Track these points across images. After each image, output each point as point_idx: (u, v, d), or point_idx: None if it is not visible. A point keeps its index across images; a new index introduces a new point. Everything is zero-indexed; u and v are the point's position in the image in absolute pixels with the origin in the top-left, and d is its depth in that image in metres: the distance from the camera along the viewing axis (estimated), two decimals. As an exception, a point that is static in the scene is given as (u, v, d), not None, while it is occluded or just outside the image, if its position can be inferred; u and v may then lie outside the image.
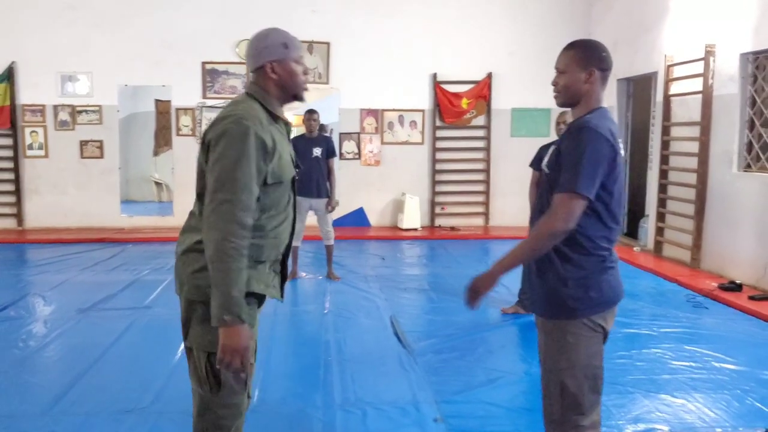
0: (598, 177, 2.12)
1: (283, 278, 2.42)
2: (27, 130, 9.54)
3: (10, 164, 9.51)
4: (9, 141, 9.48)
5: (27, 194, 9.64)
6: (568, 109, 2.36)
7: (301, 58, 2.31)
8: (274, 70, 2.24)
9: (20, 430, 3.31)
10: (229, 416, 2.24)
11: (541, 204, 2.31)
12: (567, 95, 2.29)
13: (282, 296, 2.43)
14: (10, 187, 9.54)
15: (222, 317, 2.00)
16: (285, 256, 2.38)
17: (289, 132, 2.36)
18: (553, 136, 9.58)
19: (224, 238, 2.00)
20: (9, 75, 9.34)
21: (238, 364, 2.04)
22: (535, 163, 5.20)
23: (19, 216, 9.61)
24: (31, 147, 9.57)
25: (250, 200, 2.06)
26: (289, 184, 2.27)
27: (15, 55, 9.38)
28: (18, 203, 9.59)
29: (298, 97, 2.32)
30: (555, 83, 2.32)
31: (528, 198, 5.27)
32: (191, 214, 2.27)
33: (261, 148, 2.09)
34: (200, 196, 2.17)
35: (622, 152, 2.24)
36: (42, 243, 8.72)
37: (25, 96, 9.50)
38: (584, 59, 2.25)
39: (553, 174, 2.23)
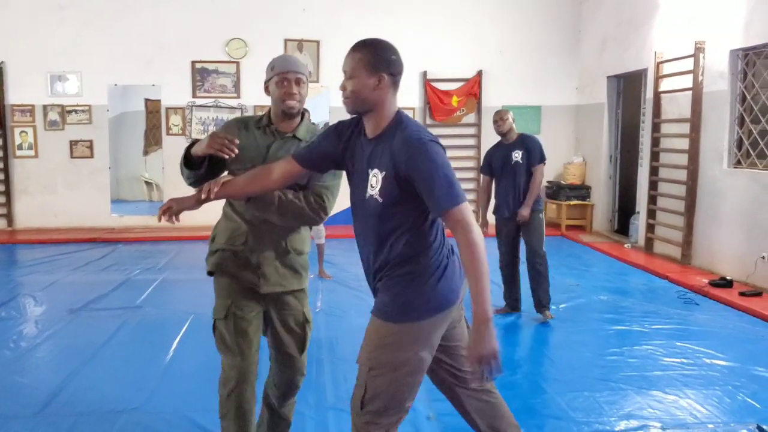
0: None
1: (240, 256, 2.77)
2: (16, 131, 9.47)
3: (-1, 164, 9.45)
4: (-2, 141, 9.42)
5: (17, 195, 9.58)
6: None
7: (282, 78, 2.53)
8: (267, 89, 2.62)
9: (12, 431, 3.29)
10: (231, 375, 2.60)
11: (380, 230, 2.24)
12: (356, 102, 2.15)
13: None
14: (0, 188, 9.47)
15: None
16: None
17: (269, 143, 2.59)
18: (545, 133, 9.66)
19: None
20: (-3, 74, 9.27)
21: None
22: (485, 169, 5.44)
23: (9, 216, 9.54)
24: (20, 147, 9.50)
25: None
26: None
27: (3, 54, 9.31)
28: (8, 204, 9.52)
29: (283, 111, 2.58)
30: (342, 88, 2.17)
31: (478, 203, 5.38)
32: None
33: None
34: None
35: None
36: (32, 243, 8.66)
37: (14, 96, 9.43)
38: (373, 63, 2.12)
39: (390, 199, 2.15)
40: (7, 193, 9.50)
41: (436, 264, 2.18)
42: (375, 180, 2.14)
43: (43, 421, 3.38)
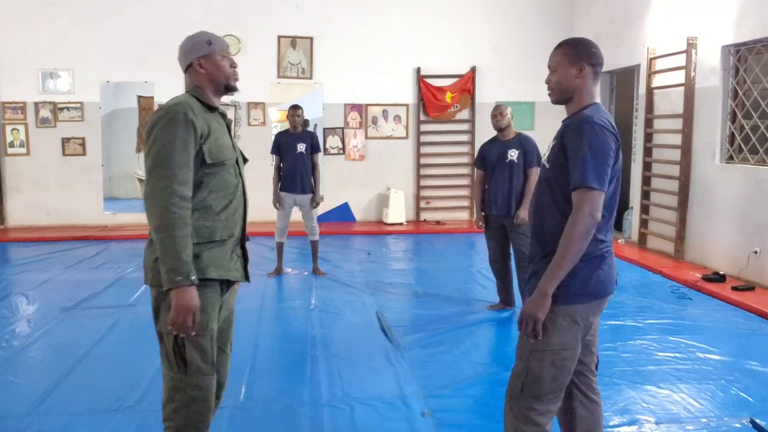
0: (608, 167, 2.17)
1: (246, 260, 2.56)
2: (8, 128, 9.43)
3: (-10, 162, 9.40)
4: (-11, 139, 9.38)
5: (8, 192, 9.53)
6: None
7: (226, 52, 2.49)
8: (202, 66, 2.44)
9: (5, 431, 3.27)
10: (199, 397, 2.37)
11: (539, 199, 2.34)
12: (559, 91, 2.35)
13: (247, 278, 2.56)
14: (-9, 186, 9.44)
15: (174, 279, 2.17)
16: (243, 239, 2.54)
17: (227, 122, 2.53)
18: (539, 129, 9.66)
19: (166, 210, 2.18)
20: (-12, 72, 9.22)
21: (190, 322, 2.21)
22: (479, 162, 5.34)
23: (0, 214, 9.49)
24: (12, 145, 9.45)
25: (187, 175, 2.25)
26: (233, 167, 2.45)
27: (-6, 51, 9.27)
28: (-1, 202, 9.49)
29: (229, 87, 2.51)
30: (548, 81, 2.38)
31: (473, 196, 5.34)
32: None
33: (191, 129, 2.27)
34: None
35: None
36: (24, 241, 8.62)
37: (6, 93, 9.38)
38: (575, 55, 2.30)
39: (554, 170, 2.27)
40: (-1, 191, 9.46)
41: (596, 252, 2.25)
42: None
43: (36, 420, 3.36)
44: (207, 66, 2.44)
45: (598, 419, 2.50)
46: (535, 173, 5.04)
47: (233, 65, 2.51)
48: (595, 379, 2.52)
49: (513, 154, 5.11)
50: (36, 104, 9.42)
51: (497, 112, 5.20)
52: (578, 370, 2.42)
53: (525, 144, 5.15)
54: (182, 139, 2.24)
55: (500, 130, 5.22)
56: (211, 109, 2.44)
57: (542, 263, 2.27)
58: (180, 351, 2.32)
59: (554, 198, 2.28)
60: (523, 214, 4.98)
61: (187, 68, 2.46)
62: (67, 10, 9.32)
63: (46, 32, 9.29)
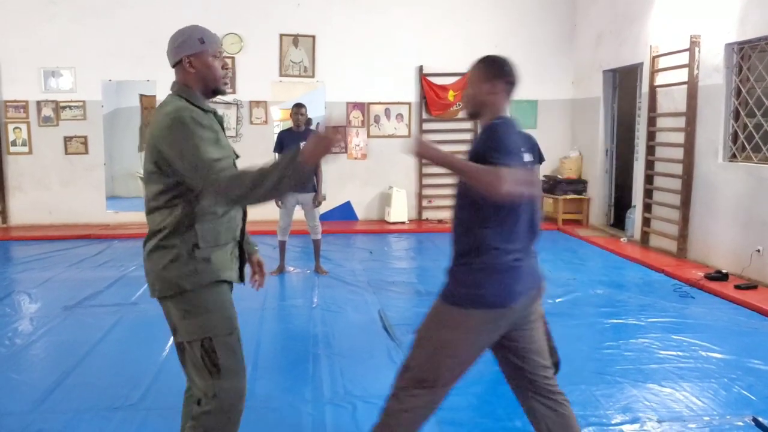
0: (518, 156, 2.24)
1: (242, 262, 2.51)
2: (10, 127, 9.44)
3: (-7, 161, 9.42)
4: (-9, 137, 9.39)
5: (11, 191, 9.54)
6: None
7: (219, 52, 2.36)
8: (192, 65, 2.31)
9: (7, 428, 3.28)
10: (235, 398, 2.32)
11: (456, 203, 2.40)
12: (472, 105, 2.46)
13: (243, 280, 2.52)
14: (-6, 184, 9.45)
15: (292, 159, 2.08)
16: (241, 240, 2.49)
17: (220, 122, 2.41)
18: (541, 127, 9.66)
19: (247, 190, 2.08)
20: (-10, 70, 9.23)
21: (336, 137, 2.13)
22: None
23: (3, 213, 9.50)
24: (14, 143, 9.46)
25: (226, 171, 2.13)
26: (233, 167, 2.31)
27: (-4, 50, 9.29)
28: (2, 200, 9.48)
29: (218, 90, 2.38)
30: (464, 95, 2.50)
31: None
32: (152, 218, 2.33)
33: (205, 129, 2.20)
34: (155, 197, 2.29)
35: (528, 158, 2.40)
36: (27, 240, 8.63)
37: (8, 92, 9.39)
38: (489, 73, 2.40)
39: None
40: (1, 189, 9.46)
41: (501, 262, 2.30)
42: None
43: (38, 418, 3.37)
44: (197, 65, 2.31)
45: (565, 416, 2.50)
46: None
47: (225, 67, 2.41)
48: (553, 381, 2.52)
49: None
50: (38, 103, 9.43)
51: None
52: (526, 377, 2.47)
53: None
54: (203, 139, 2.16)
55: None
56: (204, 110, 2.33)
57: (458, 264, 2.38)
58: (209, 356, 2.26)
59: (467, 202, 2.33)
60: None
61: (176, 65, 2.35)
62: (67, 9, 9.32)
63: (48, 31, 9.29)
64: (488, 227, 2.29)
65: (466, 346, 2.35)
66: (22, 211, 9.53)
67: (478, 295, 2.29)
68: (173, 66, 2.36)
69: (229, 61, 9.32)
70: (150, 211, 2.32)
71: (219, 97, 2.50)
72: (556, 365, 2.56)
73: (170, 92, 2.36)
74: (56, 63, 9.40)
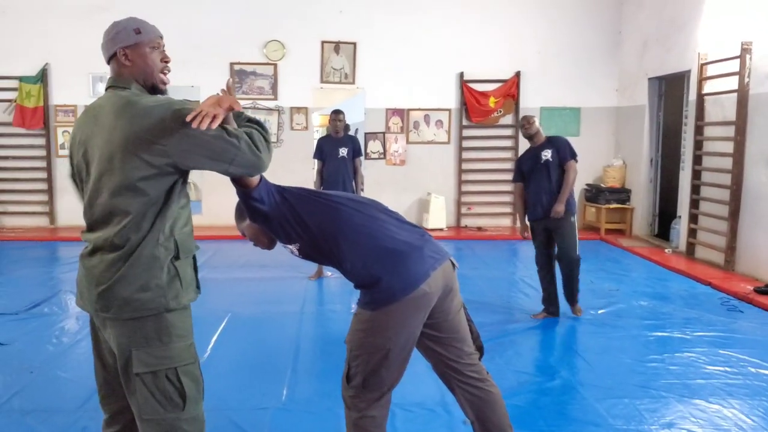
0: None
1: (196, 271, 2.24)
2: (59, 130, 9.70)
3: (42, 164, 9.69)
4: (42, 141, 9.67)
5: (59, 193, 9.79)
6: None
7: (158, 43, 2.16)
8: (128, 57, 2.13)
9: (55, 425, 3.35)
10: (198, 429, 2.18)
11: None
12: None
13: (199, 291, 2.23)
14: (43, 186, 9.72)
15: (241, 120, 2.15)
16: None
17: None
18: (584, 136, 9.52)
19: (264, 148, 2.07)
20: (42, 76, 9.52)
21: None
22: (517, 176, 5.51)
23: (51, 214, 9.77)
24: (63, 147, 9.72)
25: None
26: None
27: (48, 56, 9.56)
28: (50, 202, 9.76)
29: (155, 88, 2.16)
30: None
31: (515, 209, 5.46)
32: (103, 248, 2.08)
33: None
34: (110, 217, 2.06)
35: None
36: (74, 241, 8.82)
37: (58, 97, 9.67)
38: None
39: None
40: (50, 191, 9.73)
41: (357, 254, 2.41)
42: None
43: (84, 416, 3.43)
44: (133, 57, 2.13)
45: (490, 401, 2.61)
46: (571, 167, 5.22)
47: (165, 59, 2.19)
48: (478, 367, 2.61)
49: (547, 154, 5.27)
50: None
51: (524, 121, 5.44)
52: (451, 366, 2.58)
53: (556, 142, 5.34)
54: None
55: (530, 137, 5.40)
56: None
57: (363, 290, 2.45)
58: (175, 386, 2.07)
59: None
60: (559, 207, 5.12)
61: (111, 59, 2.17)
62: (116, 15, 9.38)
63: (96, 37, 9.21)
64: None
65: (397, 343, 2.41)
66: (69, 212, 9.75)
67: (379, 296, 2.39)
68: (108, 61, 2.18)
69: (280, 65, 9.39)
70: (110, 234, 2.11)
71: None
72: (480, 349, 2.59)
73: (109, 88, 2.16)
74: (104, 68, 9.47)
